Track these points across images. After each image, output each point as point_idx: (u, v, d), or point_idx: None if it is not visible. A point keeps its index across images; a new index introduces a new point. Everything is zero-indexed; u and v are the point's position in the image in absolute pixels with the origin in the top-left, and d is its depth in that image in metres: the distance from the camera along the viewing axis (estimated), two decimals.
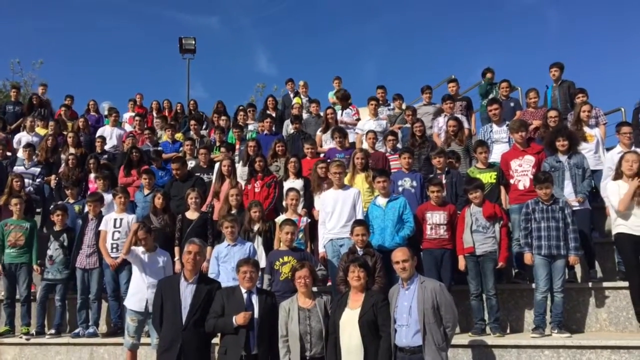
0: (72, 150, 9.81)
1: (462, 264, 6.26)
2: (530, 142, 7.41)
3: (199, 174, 8.63)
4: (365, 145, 8.72)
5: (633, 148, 6.92)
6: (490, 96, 10.18)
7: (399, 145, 8.93)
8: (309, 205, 7.51)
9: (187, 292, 5.21)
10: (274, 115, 10.78)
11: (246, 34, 55.00)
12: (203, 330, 5.12)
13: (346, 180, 7.07)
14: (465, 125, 9.24)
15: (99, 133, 10.92)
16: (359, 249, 5.90)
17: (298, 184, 7.60)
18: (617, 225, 6.12)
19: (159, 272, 6.15)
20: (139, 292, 6.14)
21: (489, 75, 10.72)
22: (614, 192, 6.12)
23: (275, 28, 55.82)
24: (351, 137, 9.50)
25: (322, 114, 10.42)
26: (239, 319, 4.92)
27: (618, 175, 6.17)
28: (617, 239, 6.12)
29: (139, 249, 6.29)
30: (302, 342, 4.94)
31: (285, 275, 5.84)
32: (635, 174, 6.02)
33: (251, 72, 54.24)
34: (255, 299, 5.12)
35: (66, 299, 7.53)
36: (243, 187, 7.91)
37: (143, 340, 6.33)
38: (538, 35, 52.59)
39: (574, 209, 6.32)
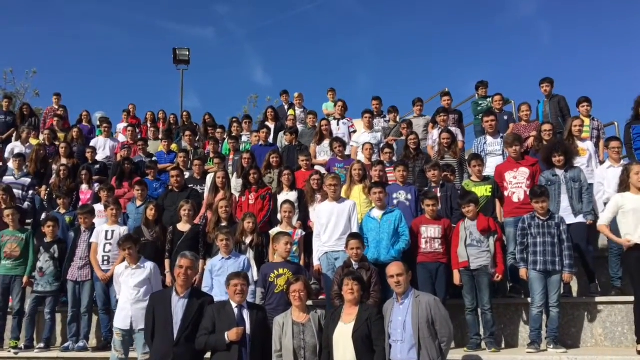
0: (63, 160, 9.71)
1: (457, 278, 6.21)
2: (525, 155, 7.42)
3: (192, 185, 8.57)
4: (361, 157, 8.69)
5: (621, 163, 6.92)
6: (485, 107, 10.23)
7: (395, 159, 8.93)
8: (304, 218, 7.45)
9: (178, 306, 5.14)
10: (272, 126, 10.75)
11: (241, 45, 55.26)
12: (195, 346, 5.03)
13: (343, 192, 7.02)
14: (459, 137, 9.26)
15: (91, 144, 10.84)
16: (354, 262, 5.85)
17: (292, 196, 7.54)
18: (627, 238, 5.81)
19: (144, 284, 6.08)
20: (124, 310, 6.05)
21: (481, 89, 10.77)
22: (609, 208, 6.02)
23: (270, 40, 56.09)
24: (347, 150, 9.47)
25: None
26: (231, 335, 4.84)
27: (625, 187, 6.00)
28: (628, 252, 5.80)
29: (122, 266, 6.23)
30: (296, 357, 4.88)
31: (280, 288, 5.74)
32: None
33: (246, 83, 54.58)
34: (246, 314, 5.06)
35: (56, 312, 7.41)
36: (237, 199, 7.86)
37: (131, 355, 6.21)
38: (531, 48, 53.11)
39: (569, 223, 6.29)
